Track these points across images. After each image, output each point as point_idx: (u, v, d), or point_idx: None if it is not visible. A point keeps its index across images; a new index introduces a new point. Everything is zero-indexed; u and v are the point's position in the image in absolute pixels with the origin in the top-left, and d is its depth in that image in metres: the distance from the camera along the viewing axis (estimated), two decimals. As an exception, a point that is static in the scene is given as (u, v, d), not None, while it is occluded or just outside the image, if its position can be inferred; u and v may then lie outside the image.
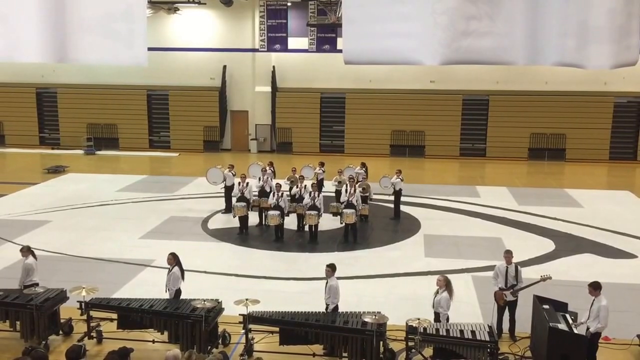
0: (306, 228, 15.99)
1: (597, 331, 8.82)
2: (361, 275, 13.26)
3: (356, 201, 15.76)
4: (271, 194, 16.06)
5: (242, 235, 16.02)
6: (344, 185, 16.59)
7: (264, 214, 16.81)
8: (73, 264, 13.90)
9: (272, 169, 18.96)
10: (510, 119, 28.85)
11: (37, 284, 10.46)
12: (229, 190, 17.95)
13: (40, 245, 15.00)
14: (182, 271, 10.39)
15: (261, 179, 17.45)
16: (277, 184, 16.36)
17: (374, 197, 18.61)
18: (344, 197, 15.93)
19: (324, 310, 9.85)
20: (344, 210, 15.43)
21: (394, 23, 4.79)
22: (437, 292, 9.62)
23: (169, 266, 10.42)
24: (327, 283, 9.96)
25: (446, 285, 9.53)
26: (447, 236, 16.22)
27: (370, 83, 29.60)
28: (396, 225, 17.31)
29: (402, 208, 18.25)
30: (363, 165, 19.74)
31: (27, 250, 10.74)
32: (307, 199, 15.79)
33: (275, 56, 30.07)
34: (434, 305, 9.60)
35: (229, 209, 17.68)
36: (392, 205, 18.19)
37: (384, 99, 29.51)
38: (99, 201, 19.68)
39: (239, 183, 16.53)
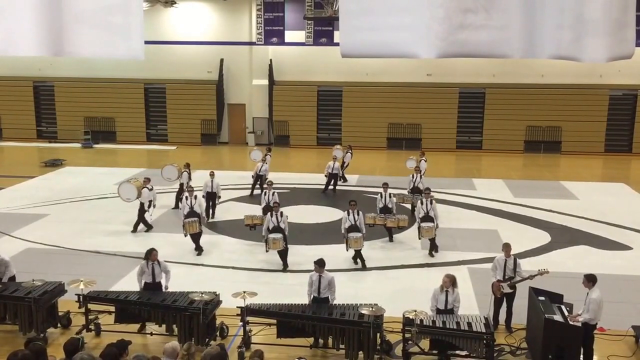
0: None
1: (585, 321, 8.87)
2: (358, 268, 13.32)
3: (434, 214, 14.16)
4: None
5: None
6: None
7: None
8: (71, 257, 13.92)
9: (187, 170, 18.03)
10: (507, 112, 28.91)
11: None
12: (141, 209, 15.79)
13: (38, 238, 15.05)
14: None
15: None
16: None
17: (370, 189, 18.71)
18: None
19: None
20: (422, 225, 13.85)
21: (390, 16, 4.80)
22: (445, 292, 9.47)
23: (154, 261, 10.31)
24: (320, 277, 9.85)
25: (453, 283, 9.55)
26: (443, 228, 16.21)
27: (367, 76, 29.60)
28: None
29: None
30: (422, 154, 20.28)
31: None
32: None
33: (272, 49, 30.04)
34: (447, 305, 9.44)
35: (136, 227, 15.78)
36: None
37: (380, 92, 29.52)
38: (97, 194, 19.69)
39: (187, 197, 14.37)
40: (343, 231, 13.57)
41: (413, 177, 17.14)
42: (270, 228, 13.24)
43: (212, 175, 17.17)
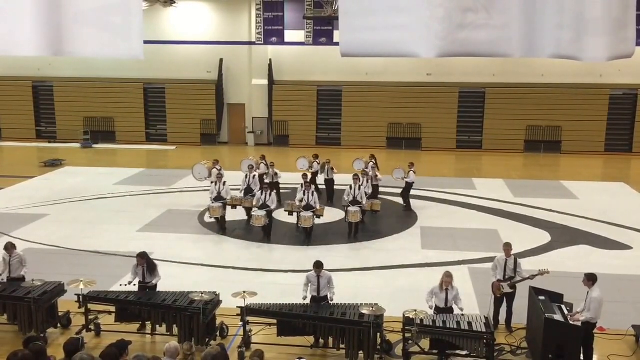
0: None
1: (586, 320, 8.87)
2: (358, 268, 13.32)
3: (361, 198, 15.60)
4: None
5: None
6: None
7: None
8: (71, 257, 13.91)
9: (264, 162, 19.06)
10: (507, 112, 28.89)
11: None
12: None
13: (38, 238, 15.05)
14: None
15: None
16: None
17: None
18: (349, 195, 15.67)
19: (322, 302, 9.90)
20: (349, 209, 15.33)
21: (390, 15, 4.80)
22: (445, 290, 9.52)
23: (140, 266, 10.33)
24: (319, 277, 9.91)
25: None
26: (443, 228, 16.27)
27: (367, 76, 29.58)
28: (392, 217, 17.33)
29: (399, 200, 18.34)
30: (412, 165, 19.64)
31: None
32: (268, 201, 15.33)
33: (271, 49, 30.03)
34: (447, 304, 9.50)
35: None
36: (391, 198, 18.27)
37: (380, 91, 29.50)
38: (97, 194, 19.67)
39: (215, 183, 16.08)
40: (298, 205, 15.23)
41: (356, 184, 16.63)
42: (259, 206, 15.10)
43: (272, 165, 18.47)
